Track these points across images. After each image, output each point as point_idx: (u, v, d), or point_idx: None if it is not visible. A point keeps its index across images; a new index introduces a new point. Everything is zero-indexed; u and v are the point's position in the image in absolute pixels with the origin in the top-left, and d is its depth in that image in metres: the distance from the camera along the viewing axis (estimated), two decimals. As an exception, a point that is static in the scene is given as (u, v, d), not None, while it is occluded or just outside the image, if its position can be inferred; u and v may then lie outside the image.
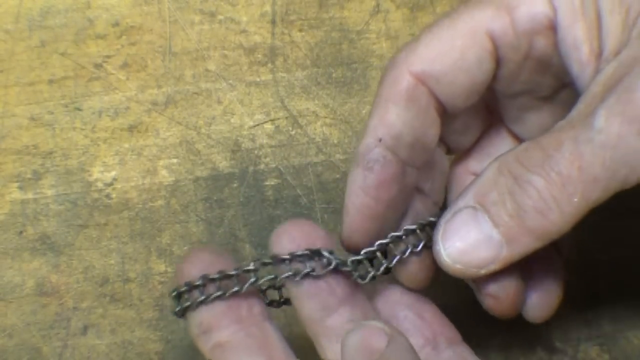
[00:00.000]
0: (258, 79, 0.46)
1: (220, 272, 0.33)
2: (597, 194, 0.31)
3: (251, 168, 0.45)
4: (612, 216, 0.37)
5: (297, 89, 0.46)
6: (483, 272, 0.33)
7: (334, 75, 0.46)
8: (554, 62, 0.34)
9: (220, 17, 0.46)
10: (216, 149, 0.45)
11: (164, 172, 0.45)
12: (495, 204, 0.32)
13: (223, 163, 0.45)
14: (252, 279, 0.33)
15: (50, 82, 0.45)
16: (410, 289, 0.36)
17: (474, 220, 0.33)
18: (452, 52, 0.34)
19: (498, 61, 0.34)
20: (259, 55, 0.46)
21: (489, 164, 0.33)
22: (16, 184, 0.44)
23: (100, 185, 0.44)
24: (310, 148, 0.45)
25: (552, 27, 0.33)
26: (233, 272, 0.33)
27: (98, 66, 0.45)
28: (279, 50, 0.46)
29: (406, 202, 0.36)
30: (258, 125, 0.45)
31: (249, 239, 0.44)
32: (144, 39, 0.46)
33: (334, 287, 0.33)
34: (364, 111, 0.46)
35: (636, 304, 0.42)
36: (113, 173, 0.44)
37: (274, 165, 0.45)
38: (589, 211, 0.31)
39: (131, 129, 0.45)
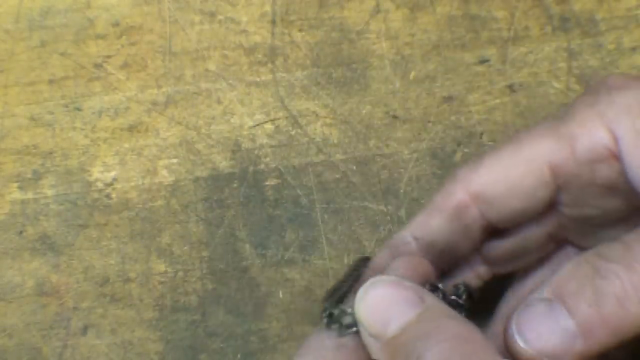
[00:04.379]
0: (258, 79, 0.46)
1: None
2: None
3: (251, 168, 0.45)
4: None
5: (297, 89, 0.46)
6: None
7: (334, 75, 0.46)
8: (622, 186, 0.34)
9: (220, 17, 0.46)
10: (216, 149, 0.45)
11: (164, 172, 0.45)
12: (574, 293, 0.32)
13: (223, 163, 0.45)
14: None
15: (50, 82, 0.45)
16: None
17: (549, 311, 0.32)
18: (509, 179, 0.35)
19: (558, 189, 0.35)
20: (259, 55, 0.46)
21: (567, 263, 0.33)
22: (16, 184, 0.44)
23: (100, 185, 0.44)
24: (310, 148, 0.45)
25: (615, 156, 0.34)
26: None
27: (98, 66, 0.45)
28: (279, 50, 0.46)
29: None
30: (258, 125, 0.45)
31: (249, 239, 0.44)
32: (144, 39, 0.46)
33: None
34: (364, 111, 0.46)
35: (636, 304, 0.42)
36: (113, 173, 0.44)
37: (274, 165, 0.45)
38: None
39: (131, 129, 0.45)
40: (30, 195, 0.44)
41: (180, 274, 0.43)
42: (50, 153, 0.44)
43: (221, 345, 0.42)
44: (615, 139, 0.33)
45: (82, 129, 0.45)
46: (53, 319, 0.42)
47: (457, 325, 0.30)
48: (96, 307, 0.43)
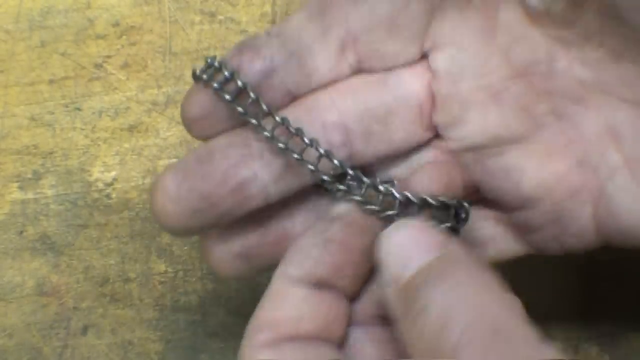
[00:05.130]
0: (258, 79, 0.46)
1: None
2: None
3: (251, 168, 0.45)
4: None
5: (297, 89, 0.46)
6: None
7: (334, 75, 0.46)
8: None
9: (220, 17, 0.46)
10: (216, 149, 0.45)
11: (164, 172, 0.44)
12: None
13: (223, 163, 0.45)
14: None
15: (51, 82, 0.45)
16: None
17: None
18: None
19: None
20: (259, 55, 0.46)
21: None
22: (16, 184, 0.44)
23: (100, 185, 0.44)
24: (310, 148, 0.45)
25: None
26: None
27: (98, 66, 0.45)
28: (279, 51, 0.46)
29: None
30: (258, 125, 0.45)
31: (249, 239, 0.44)
32: (144, 39, 0.46)
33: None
34: (364, 111, 0.46)
35: (636, 304, 0.42)
36: (113, 173, 0.44)
37: (274, 165, 0.45)
38: None
39: (131, 129, 0.45)
40: (30, 195, 0.44)
41: (181, 274, 0.43)
42: (51, 153, 0.44)
43: (221, 345, 0.42)
44: None
45: (82, 129, 0.45)
46: (53, 319, 0.42)
47: (477, 272, 0.27)
48: (96, 307, 0.43)
